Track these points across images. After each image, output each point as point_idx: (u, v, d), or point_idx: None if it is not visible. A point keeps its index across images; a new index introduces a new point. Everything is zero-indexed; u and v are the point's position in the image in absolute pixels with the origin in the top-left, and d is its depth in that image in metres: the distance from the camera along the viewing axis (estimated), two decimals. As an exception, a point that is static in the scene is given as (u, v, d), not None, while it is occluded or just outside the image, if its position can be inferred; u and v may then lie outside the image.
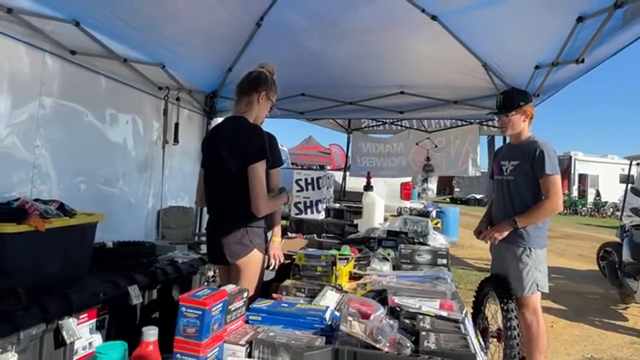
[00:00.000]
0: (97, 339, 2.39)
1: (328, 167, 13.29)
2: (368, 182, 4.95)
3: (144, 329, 0.92)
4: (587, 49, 2.59)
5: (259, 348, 1.21)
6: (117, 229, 3.33)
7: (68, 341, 2.12)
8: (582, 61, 2.66)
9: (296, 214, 4.88)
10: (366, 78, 4.26)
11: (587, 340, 4.49)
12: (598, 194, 25.06)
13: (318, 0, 3.16)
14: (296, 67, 3.86)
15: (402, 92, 4.41)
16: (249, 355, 1.21)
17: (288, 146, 14.97)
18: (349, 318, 1.42)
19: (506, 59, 3.47)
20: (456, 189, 29.88)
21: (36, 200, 2.47)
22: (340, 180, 7.97)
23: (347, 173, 7.91)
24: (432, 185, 11.93)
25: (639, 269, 5.39)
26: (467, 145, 6.75)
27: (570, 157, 25.76)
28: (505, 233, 2.89)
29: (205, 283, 3.25)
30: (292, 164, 13.97)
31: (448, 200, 28.51)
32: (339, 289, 1.91)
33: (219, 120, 4.82)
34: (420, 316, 1.56)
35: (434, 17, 3.07)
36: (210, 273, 3.28)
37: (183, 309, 1.13)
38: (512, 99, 2.93)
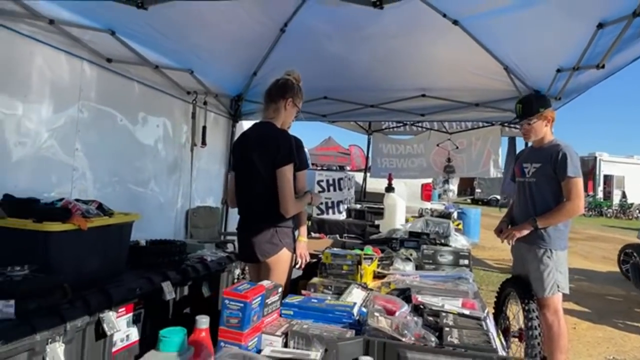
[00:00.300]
0: (134, 332, 2.52)
1: (348, 168, 13.35)
2: (389, 184, 5.02)
3: (198, 317, 1.03)
4: (608, 55, 2.62)
5: (294, 339, 1.31)
6: (148, 228, 3.48)
7: (108, 333, 2.26)
8: (603, 67, 2.69)
9: (318, 214, 4.98)
10: (388, 81, 4.33)
11: (609, 342, 4.47)
12: (624, 196, 24.47)
13: (343, 7, 3.25)
14: (319, 70, 3.96)
15: (423, 95, 4.46)
16: (285, 345, 1.31)
17: (308, 147, 15.09)
18: (376, 314, 1.51)
19: (528, 62, 3.50)
20: (477, 190, 29.56)
21: (77, 200, 2.63)
22: (360, 181, 8.04)
23: (368, 174, 7.97)
24: (453, 186, 11.91)
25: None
26: (489, 147, 6.73)
27: (595, 157, 25.19)
28: (525, 232, 2.93)
29: (236, 280, 3.37)
30: (312, 164, 14.10)
31: (469, 201, 28.23)
32: (365, 287, 2.00)
33: (244, 123, 4.98)
34: (443, 313, 1.63)
35: (455, 22, 3.13)
36: (238, 271, 3.40)
37: (226, 301, 1.23)
38: (530, 106, 2.97)
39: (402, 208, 4.01)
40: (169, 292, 2.70)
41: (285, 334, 1.32)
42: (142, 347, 2.56)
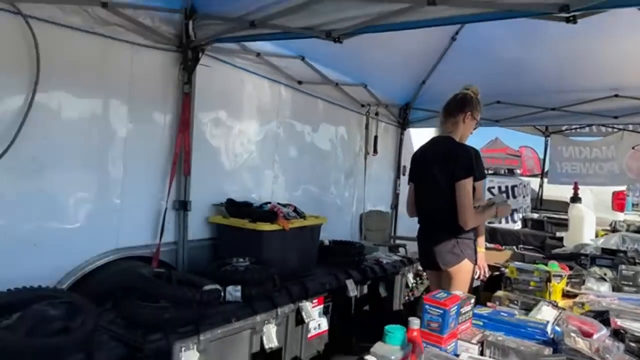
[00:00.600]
0: (323, 322, 2.86)
1: (518, 171, 12.31)
2: (575, 193, 4.53)
3: (410, 318, 1.21)
4: None
5: (490, 349, 1.39)
6: (329, 229, 3.87)
7: (306, 320, 2.64)
8: None
9: (490, 223, 4.81)
10: (570, 81, 3.99)
11: None
12: None
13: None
14: (489, 75, 3.82)
15: (616, 95, 3.98)
16: (481, 353, 1.40)
17: (473, 148, 14.30)
18: (572, 334, 1.48)
19: None
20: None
21: (278, 204, 3.11)
22: (535, 188, 7.41)
23: (545, 180, 7.30)
24: (653, 193, 9.99)
25: None
26: None
27: None
28: None
29: (412, 283, 3.54)
30: (480, 167, 13.28)
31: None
32: (555, 305, 1.94)
33: (411, 130, 5.12)
34: (650, 341, 1.51)
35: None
36: (410, 275, 3.55)
37: (427, 307, 1.39)
38: None
39: (590, 221, 3.63)
40: (352, 289, 2.99)
41: (481, 343, 1.41)
42: (331, 337, 2.90)
